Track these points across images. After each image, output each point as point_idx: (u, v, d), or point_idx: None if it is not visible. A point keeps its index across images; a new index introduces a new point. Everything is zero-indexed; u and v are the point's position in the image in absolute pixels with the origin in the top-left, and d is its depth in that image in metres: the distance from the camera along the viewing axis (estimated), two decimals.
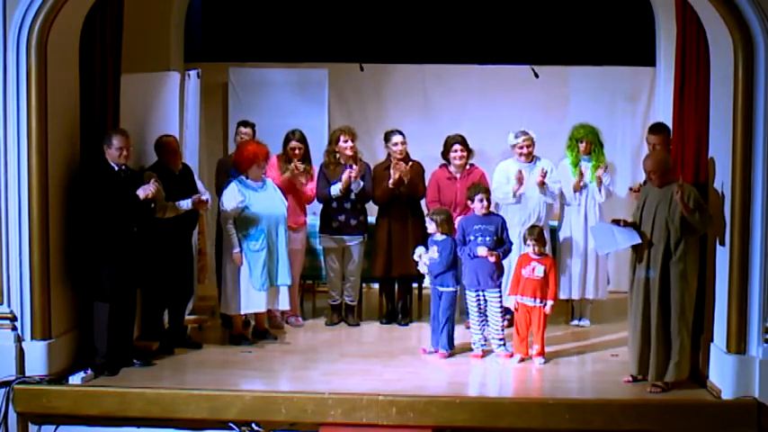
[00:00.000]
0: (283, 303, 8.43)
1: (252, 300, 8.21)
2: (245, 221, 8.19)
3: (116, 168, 7.37)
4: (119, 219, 7.32)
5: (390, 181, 8.74)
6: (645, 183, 7.84)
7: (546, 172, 8.62)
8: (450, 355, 8.03)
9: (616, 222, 7.35)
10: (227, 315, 8.71)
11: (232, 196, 8.18)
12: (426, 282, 8.89)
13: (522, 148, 8.78)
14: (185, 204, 7.92)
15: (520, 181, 8.62)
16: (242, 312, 8.30)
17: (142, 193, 7.38)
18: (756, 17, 6.74)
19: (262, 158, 8.29)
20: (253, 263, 8.16)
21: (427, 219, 8.24)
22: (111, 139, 7.36)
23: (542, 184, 8.62)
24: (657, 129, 8.26)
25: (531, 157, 8.80)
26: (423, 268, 8.16)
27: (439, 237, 8.10)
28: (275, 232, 8.25)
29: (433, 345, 8.12)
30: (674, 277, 7.07)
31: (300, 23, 11.14)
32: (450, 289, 8.08)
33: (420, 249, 8.20)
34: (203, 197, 8.17)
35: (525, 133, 8.82)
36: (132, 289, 7.59)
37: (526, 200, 8.72)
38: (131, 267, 7.43)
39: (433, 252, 8.07)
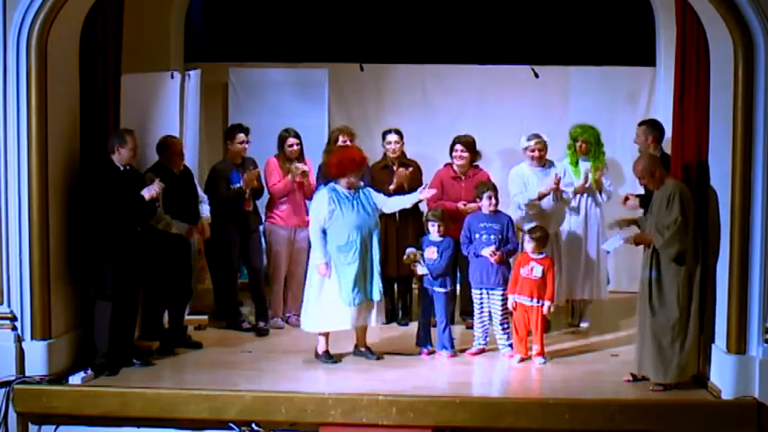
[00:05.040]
0: (376, 319, 7.89)
1: (339, 316, 7.71)
2: (337, 232, 7.71)
3: (121, 168, 7.39)
4: (123, 218, 7.34)
5: (392, 186, 8.73)
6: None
7: (560, 177, 8.49)
8: (455, 355, 8.05)
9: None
10: (228, 315, 8.75)
11: (322, 205, 7.76)
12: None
13: (533, 151, 8.59)
14: (180, 226, 7.85)
15: (556, 185, 8.40)
16: (328, 330, 7.83)
17: (147, 194, 7.41)
18: (756, 17, 6.74)
19: (364, 166, 7.97)
20: (344, 277, 7.66)
21: (430, 222, 8.12)
22: (124, 138, 7.38)
23: (557, 190, 8.45)
24: (643, 122, 8.38)
25: (543, 161, 8.66)
26: (421, 270, 8.05)
27: (437, 237, 8.09)
28: (369, 244, 7.76)
29: (437, 346, 8.11)
30: (667, 278, 7.09)
31: (300, 23, 11.14)
32: (448, 289, 8.10)
33: (412, 251, 8.07)
34: (203, 214, 8.13)
35: (537, 136, 8.64)
36: (135, 289, 7.58)
37: (546, 206, 8.57)
38: (134, 267, 7.44)
39: (432, 253, 8.05)
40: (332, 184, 7.87)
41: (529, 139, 8.63)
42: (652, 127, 8.38)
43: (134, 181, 7.47)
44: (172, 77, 8.50)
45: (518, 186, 8.59)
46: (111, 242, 7.29)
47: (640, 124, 8.41)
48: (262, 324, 8.79)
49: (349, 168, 7.79)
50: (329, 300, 7.71)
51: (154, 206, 7.53)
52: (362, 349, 8.01)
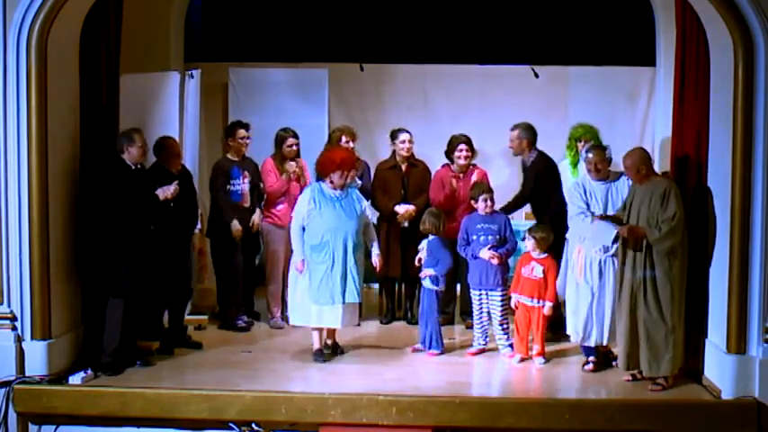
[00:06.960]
0: (345, 321, 7.87)
1: (307, 313, 7.80)
2: (312, 231, 7.77)
3: (133, 168, 7.43)
4: (137, 216, 7.37)
5: (399, 216, 8.80)
6: None
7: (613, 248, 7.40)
8: (441, 354, 8.06)
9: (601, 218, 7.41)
10: (226, 315, 8.75)
11: (303, 201, 7.84)
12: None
13: (590, 164, 7.63)
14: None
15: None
16: (294, 324, 7.99)
17: (162, 194, 7.48)
18: (756, 17, 6.75)
19: (347, 167, 7.84)
20: (313, 275, 7.73)
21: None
22: (131, 137, 7.42)
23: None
24: (516, 126, 8.48)
25: (606, 174, 7.66)
26: (419, 261, 8.17)
27: (430, 236, 8.16)
28: (343, 246, 7.72)
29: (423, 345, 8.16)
30: (661, 274, 7.10)
31: (300, 23, 11.15)
32: (434, 287, 8.09)
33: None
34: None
35: (597, 147, 7.82)
36: (146, 287, 7.56)
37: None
38: (148, 265, 7.46)
39: (425, 251, 8.15)
40: (318, 183, 7.94)
41: (587, 151, 7.77)
42: (525, 130, 8.42)
43: (145, 179, 7.52)
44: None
45: (580, 201, 7.62)
46: (125, 240, 7.31)
47: (513, 128, 8.42)
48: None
49: (329, 168, 7.81)
50: (301, 296, 7.81)
51: (169, 206, 7.57)
52: (329, 342, 8.02)
